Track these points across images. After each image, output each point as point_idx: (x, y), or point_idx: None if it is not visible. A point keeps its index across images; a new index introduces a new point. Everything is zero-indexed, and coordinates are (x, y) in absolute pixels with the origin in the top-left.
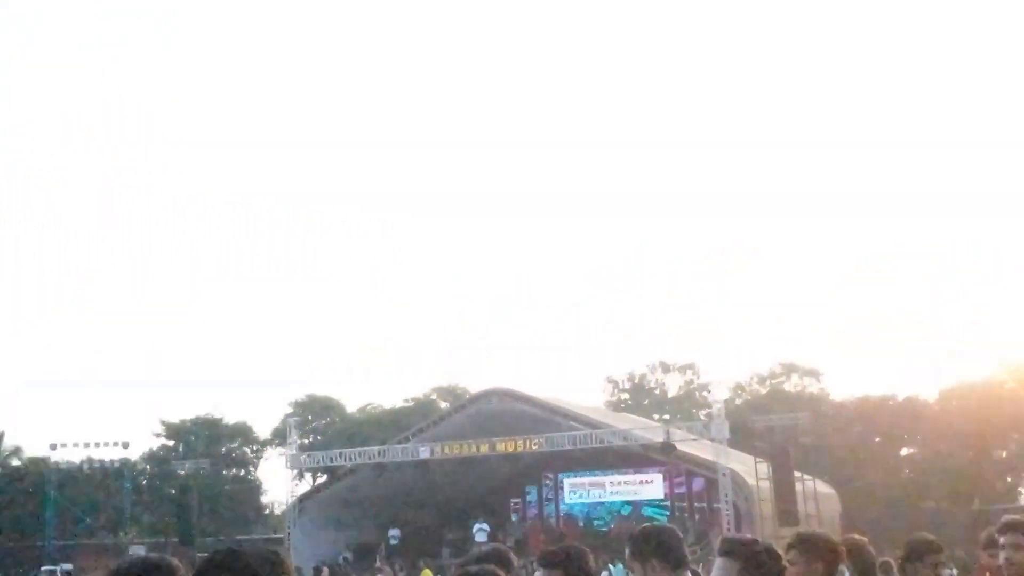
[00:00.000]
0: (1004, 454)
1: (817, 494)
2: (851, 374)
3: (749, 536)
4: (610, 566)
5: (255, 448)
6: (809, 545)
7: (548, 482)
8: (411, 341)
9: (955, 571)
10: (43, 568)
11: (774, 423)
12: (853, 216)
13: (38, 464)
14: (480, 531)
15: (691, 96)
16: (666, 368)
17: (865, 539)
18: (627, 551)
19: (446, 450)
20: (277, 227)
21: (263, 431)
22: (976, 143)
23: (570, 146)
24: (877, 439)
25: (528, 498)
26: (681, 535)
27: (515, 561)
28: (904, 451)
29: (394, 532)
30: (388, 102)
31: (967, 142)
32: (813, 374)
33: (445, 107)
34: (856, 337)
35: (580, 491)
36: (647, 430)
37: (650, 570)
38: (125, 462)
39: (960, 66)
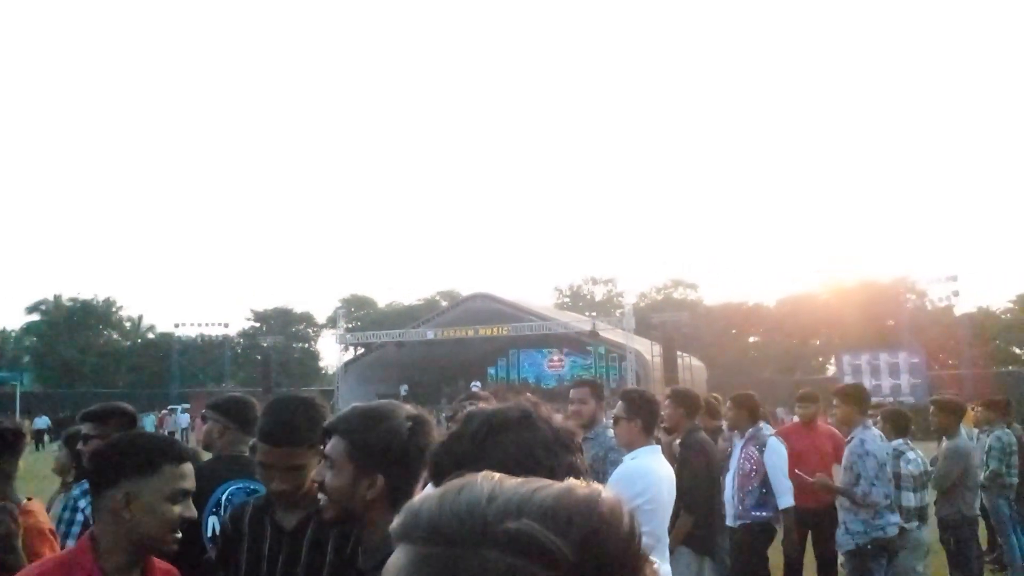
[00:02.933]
0: (818, 342)
1: (692, 367)
2: (718, 286)
3: (638, 387)
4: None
5: (315, 329)
6: (677, 395)
7: (513, 355)
8: (422, 257)
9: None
10: (168, 407)
11: (665, 319)
12: (723, 159)
13: (166, 337)
14: (475, 386)
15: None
16: (595, 281)
17: (718, 396)
18: (621, 406)
19: (445, 333)
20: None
21: (320, 318)
22: (824, 80)
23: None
24: (733, 331)
25: (500, 365)
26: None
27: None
28: (751, 339)
29: (404, 387)
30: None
31: (818, 76)
32: (692, 286)
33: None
34: (722, 260)
35: (535, 361)
36: (581, 322)
37: (634, 427)
38: (226, 337)
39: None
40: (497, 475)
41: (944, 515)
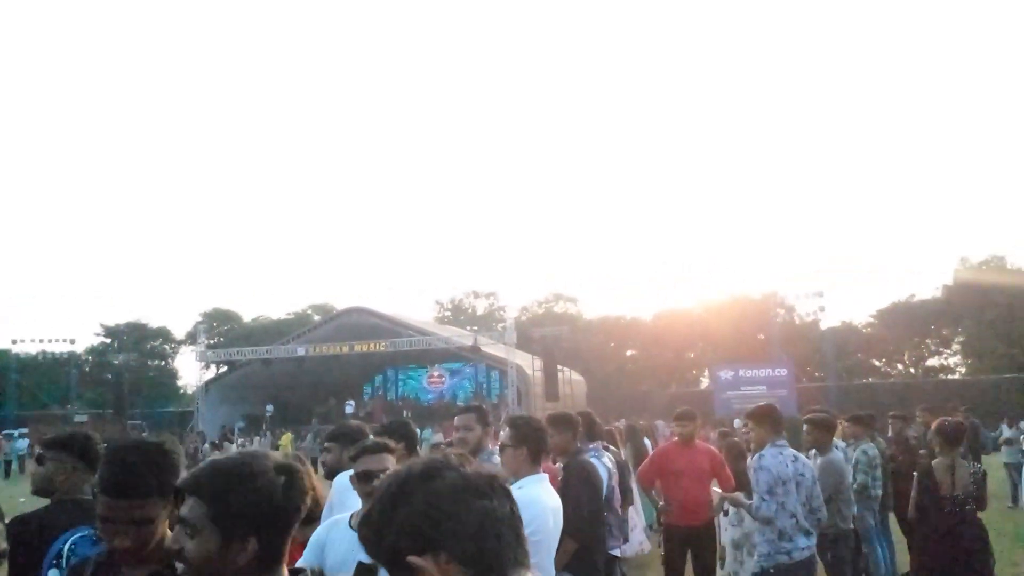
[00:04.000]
0: (692, 355)
1: (572, 380)
2: (597, 300)
3: (527, 414)
4: (428, 430)
5: (172, 346)
6: (558, 420)
7: (391, 372)
8: (292, 268)
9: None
10: (3, 432)
11: (546, 333)
12: (599, 175)
13: (2, 354)
14: (349, 405)
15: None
16: (476, 295)
17: (591, 411)
18: (508, 433)
19: (317, 350)
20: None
21: (179, 333)
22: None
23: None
24: (612, 344)
25: (376, 383)
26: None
27: (367, 430)
28: (628, 352)
29: (269, 407)
30: None
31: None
32: (572, 300)
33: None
34: (600, 276)
35: (413, 378)
36: (462, 337)
37: (520, 455)
38: (72, 354)
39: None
40: None
41: (820, 529)
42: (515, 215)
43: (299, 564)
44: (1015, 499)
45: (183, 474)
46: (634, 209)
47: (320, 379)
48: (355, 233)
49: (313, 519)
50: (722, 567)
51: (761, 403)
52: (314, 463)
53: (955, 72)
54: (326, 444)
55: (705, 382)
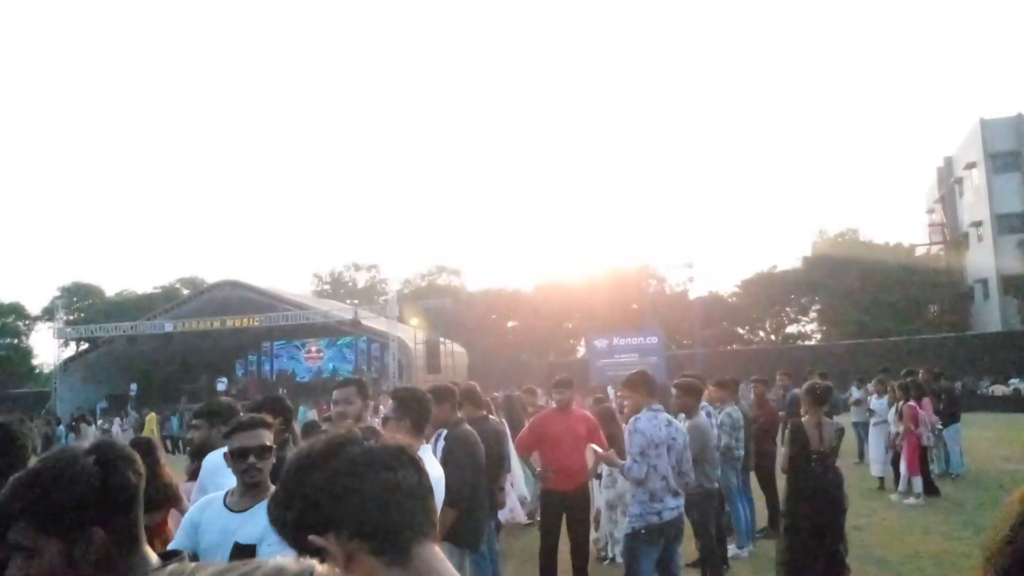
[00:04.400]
0: (570, 325)
1: (454, 353)
2: (480, 273)
3: (410, 385)
4: (302, 408)
5: (27, 322)
6: (437, 391)
7: (266, 348)
8: (158, 239)
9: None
10: None
11: (429, 306)
12: (483, 150)
13: None
14: (220, 383)
15: None
16: (357, 267)
17: (475, 384)
18: (391, 405)
19: (186, 325)
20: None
21: (34, 308)
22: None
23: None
24: (494, 316)
25: (250, 360)
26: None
27: (238, 407)
28: (510, 324)
29: (134, 386)
30: None
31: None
32: (456, 273)
33: None
34: (483, 249)
35: (290, 354)
36: (342, 311)
37: (403, 427)
38: None
39: None
40: (197, 565)
41: (688, 490)
42: (398, 187)
43: (172, 547)
44: (861, 455)
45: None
46: (517, 183)
47: (190, 356)
48: (227, 202)
49: (159, 504)
50: (596, 529)
51: (635, 370)
52: (175, 443)
53: (815, 57)
54: (194, 421)
55: (582, 351)
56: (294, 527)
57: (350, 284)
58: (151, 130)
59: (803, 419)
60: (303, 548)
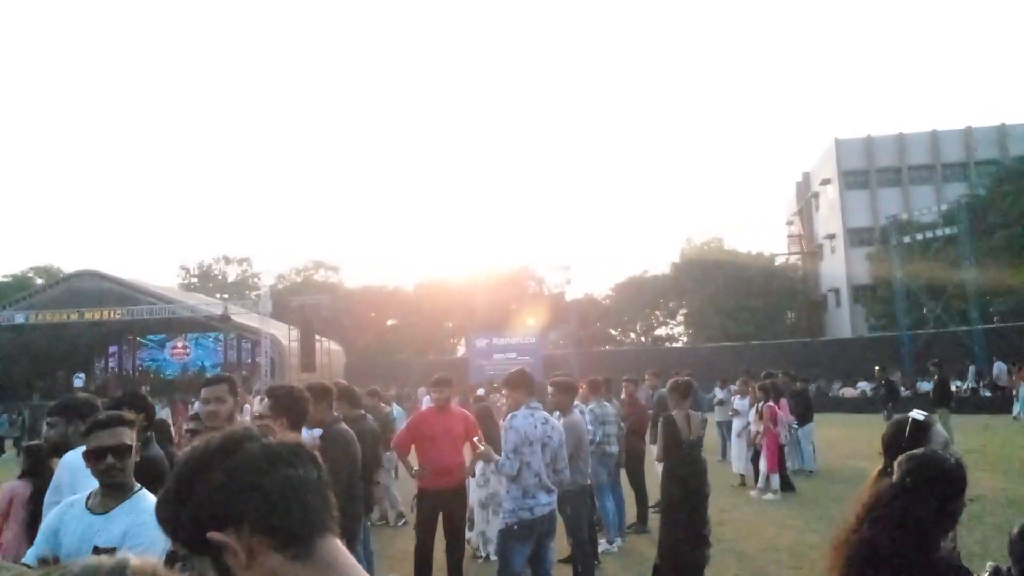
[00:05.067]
0: (450, 324)
1: (330, 351)
2: (359, 270)
3: (287, 383)
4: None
5: None
6: (313, 390)
7: (129, 343)
8: (9, 224)
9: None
10: None
11: (304, 302)
12: (361, 144)
13: None
14: (78, 379)
15: None
16: (228, 260)
17: (347, 383)
18: (266, 403)
19: (40, 317)
20: None
21: None
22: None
23: None
24: (373, 314)
25: (111, 355)
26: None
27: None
28: (389, 322)
29: None
30: None
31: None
32: (334, 269)
33: None
34: (362, 245)
35: (154, 350)
36: (211, 305)
37: (280, 424)
38: None
39: None
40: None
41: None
42: (273, 178)
43: (31, 553)
44: (724, 453)
45: None
46: (398, 179)
47: (44, 350)
48: (87, 186)
49: None
50: (470, 528)
51: (514, 369)
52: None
53: (689, 76)
54: (49, 419)
55: (462, 350)
56: (191, 525)
57: (220, 277)
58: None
59: (673, 412)
60: (199, 547)
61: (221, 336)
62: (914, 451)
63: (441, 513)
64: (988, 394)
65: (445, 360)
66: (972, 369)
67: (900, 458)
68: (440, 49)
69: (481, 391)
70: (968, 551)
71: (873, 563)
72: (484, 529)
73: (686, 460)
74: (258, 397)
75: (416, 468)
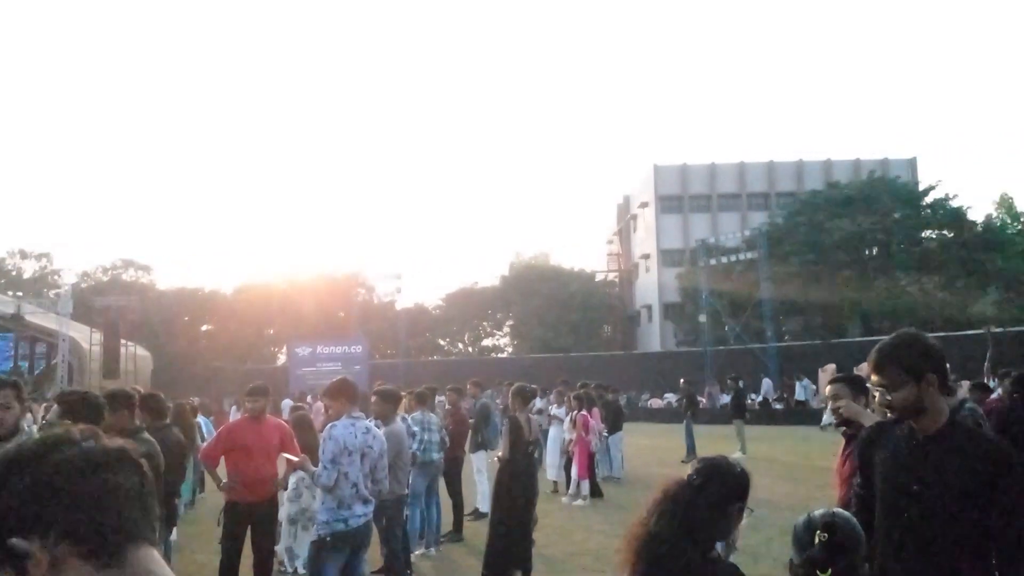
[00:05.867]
0: (272, 331)
1: (136, 356)
2: (173, 271)
3: (80, 389)
4: None
5: None
6: (113, 398)
7: None
8: None
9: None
10: None
11: (110, 303)
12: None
13: None
14: None
15: None
16: (24, 255)
17: (158, 392)
18: (56, 411)
19: None
20: None
21: None
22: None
23: None
24: (186, 318)
25: None
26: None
27: None
28: (204, 327)
29: None
30: None
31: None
32: (145, 269)
33: None
34: (177, 244)
35: None
36: (1, 303)
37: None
38: None
39: None
40: None
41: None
42: (79, 167)
43: None
44: (539, 460)
45: None
46: (221, 176)
47: None
48: None
49: None
50: (278, 542)
51: (336, 378)
52: None
53: (524, 96)
54: None
55: (283, 358)
56: None
57: (14, 273)
58: None
59: (517, 415)
60: (3, 557)
61: (12, 337)
62: (708, 455)
63: (250, 527)
64: (780, 407)
65: (264, 368)
66: (767, 383)
67: (694, 460)
68: (281, 46)
69: (310, 399)
70: (753, 551)
71: (656, 555)
72: (290, 544)
73: (525, 458)
74: (45, 405)
75: (224, 480)
